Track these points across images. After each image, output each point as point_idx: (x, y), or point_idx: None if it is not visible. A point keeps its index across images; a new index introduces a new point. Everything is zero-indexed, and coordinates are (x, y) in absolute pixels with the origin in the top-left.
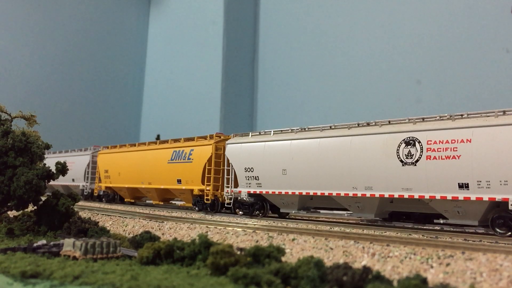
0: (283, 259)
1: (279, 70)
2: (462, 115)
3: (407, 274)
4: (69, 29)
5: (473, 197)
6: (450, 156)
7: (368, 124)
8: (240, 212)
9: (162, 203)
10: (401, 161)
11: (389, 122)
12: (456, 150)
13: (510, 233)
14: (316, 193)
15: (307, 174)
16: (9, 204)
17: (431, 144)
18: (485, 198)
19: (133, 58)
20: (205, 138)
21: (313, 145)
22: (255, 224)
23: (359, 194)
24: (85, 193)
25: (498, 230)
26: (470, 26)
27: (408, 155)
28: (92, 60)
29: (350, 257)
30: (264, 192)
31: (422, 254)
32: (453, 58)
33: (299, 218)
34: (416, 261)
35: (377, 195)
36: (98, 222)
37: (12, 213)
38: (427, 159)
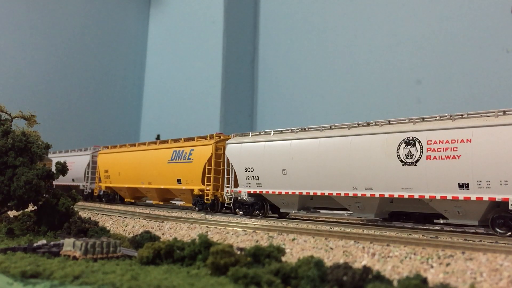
0: (283, 259)
1: (279, 70)
2: (462, 115)
3: (407, 274)
4: (69, 29)
5: (473, 197)
6: (450, 156)
7: (368, 124)
8: (240, 212)
9: (162, 203)
10: (401, 161)
11: (389, 122)
12: (456, 150)
13: (510, 233)
14: (316, 193)
15: (307, 174)
16: (9, 204)
17: (431, 144)
18: (485, 198)
19: (133, 58)
20: (205, 138)
21: (313, 145)
22: (255, 224)
23: (359, 194)
24: (85, 193)
25: (498, 230)
26: (470, 26)
27: (408, 155)
28: (92, 60)
29: (350, 257)
30: (264, 192)
31: (422, 254)
32: (453, 58)
33: (299, 218)
34: (416, 261)
35: (377, 195)
36: (98, 222)
37: (12, 213)
38: (427, 159)
